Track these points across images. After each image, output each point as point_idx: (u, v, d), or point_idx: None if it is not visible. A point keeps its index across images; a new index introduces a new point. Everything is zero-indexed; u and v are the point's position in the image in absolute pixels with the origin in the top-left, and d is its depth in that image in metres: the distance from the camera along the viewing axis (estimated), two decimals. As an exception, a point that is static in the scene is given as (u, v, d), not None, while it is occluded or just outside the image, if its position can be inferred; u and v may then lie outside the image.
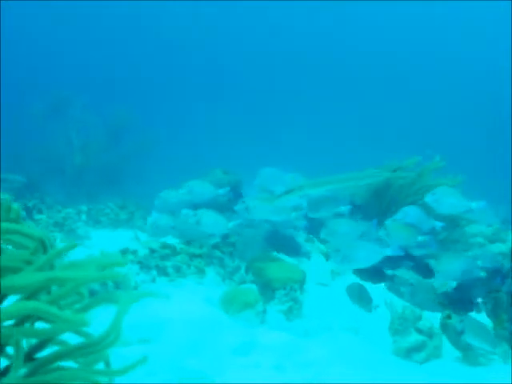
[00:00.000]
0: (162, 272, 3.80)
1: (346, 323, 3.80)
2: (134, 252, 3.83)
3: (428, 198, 4.55)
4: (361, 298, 3.80)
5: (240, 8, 21.28)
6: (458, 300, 3.99)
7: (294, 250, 4.87)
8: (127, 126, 9.42)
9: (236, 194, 6.08)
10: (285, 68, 20.36)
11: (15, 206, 2.05)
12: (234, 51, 20.78)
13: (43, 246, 2.04)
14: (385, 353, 3.56)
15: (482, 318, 3.80)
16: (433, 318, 3.70)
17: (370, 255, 3.68)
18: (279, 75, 19.64)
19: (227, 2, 20.54)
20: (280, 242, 4.84)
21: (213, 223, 4.25)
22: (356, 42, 20.91)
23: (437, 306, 3.87)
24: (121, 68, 17.82)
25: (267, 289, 3.79)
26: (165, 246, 3.93)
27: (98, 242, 5.70)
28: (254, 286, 3.84)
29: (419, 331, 3.53)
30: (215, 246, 4.26)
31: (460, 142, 12.80)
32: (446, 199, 4.52)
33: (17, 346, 1.68)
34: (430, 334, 3.55)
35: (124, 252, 3.84)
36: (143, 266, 3.76)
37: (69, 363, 1.79)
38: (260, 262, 4.02)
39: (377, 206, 5.41)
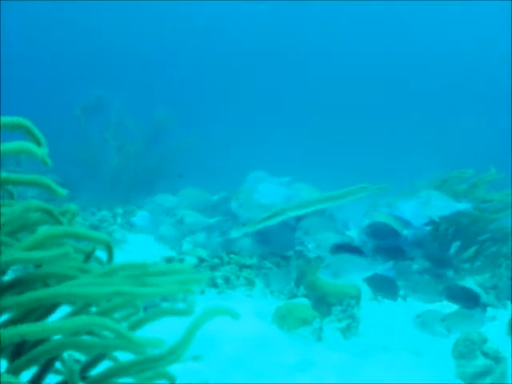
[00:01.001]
0: (211, 283, 3.61)
1: (405, 343, 3.56)
2: (181, 261, 3.64)
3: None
4: (384, 286, 3.67)
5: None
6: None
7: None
8: (165, 128, 9.27)
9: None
10: (288, 69, 20.15)
11: (73, 206, 1.88)
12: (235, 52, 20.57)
13: (109, 250, 1.89)
14: (448, 377, 3.32)
15: None
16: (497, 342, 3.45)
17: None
18: (281, 76, 19.44)
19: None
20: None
21: (194, 221, 4.30)
22: (355, 42, 20.59)
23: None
24: (160, 69, 17.75)
25: (322, 304, 3.58)
26: (214, 254, 3.74)
27: (136, 247, 5.54)
28: (307, 301, 3.63)
29: (485, 355, 3.28)
30: (264, 256, 4.07)
31: (459, 142, 12.50)
32: (434, 201, 4.35)
33: (70, 361, 1.53)
34: (496, 359, 3.30)
35: (169, 260, 3.66)
36: (191, 276, 3.58)
37: (125, 380, 1.62)
38: (312, 275, 3.81)
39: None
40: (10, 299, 1.47)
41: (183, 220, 4.65)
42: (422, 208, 4.39)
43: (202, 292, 3.54)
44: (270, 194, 4.52)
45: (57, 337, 1.49)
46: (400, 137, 13.87)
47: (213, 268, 3.64)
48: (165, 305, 3.18)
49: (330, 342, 3.36)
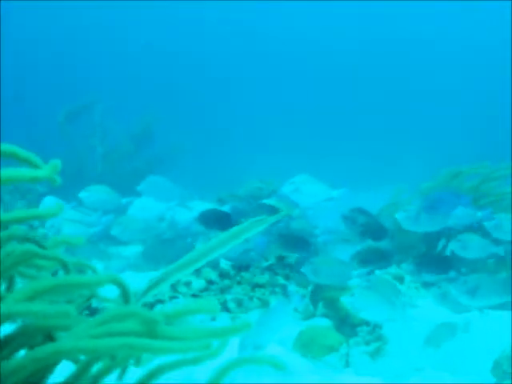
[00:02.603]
0: (223, 307, 3.27)
1: (438, 362, 3.24)
2: (188, 284, 3.31)
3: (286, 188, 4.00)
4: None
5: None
6: None
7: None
8: (152, 133, 8.95)
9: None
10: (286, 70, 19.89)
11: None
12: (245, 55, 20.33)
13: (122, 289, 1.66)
14: (490, 398, 3.02)
15: None
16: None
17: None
18: (272, 78, 19.19)
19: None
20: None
21: None
22: (352, 42, 20.38)
23: None
24: (145, 72, 17.40)
25: (345, 324, 3.26)
26: (222, 274, 3.40)
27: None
28: (329, 322, 3.31)
29: (532, 374, 2.96)
30: (270, 269, 3.74)
31: (459, 143, 12.26)
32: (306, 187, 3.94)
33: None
34: (543, 376, 2.99)
35: (175, 285, 3.32)
36: (200, 300, 3.24)
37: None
38: (331, 291, 3.47)
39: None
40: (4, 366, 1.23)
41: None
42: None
43: (214, 318, 3.20)
44: (145, 208, 4.20)
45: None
46: (397, 139, 13.56)
47: (223, 291, 3.31)
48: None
49: (359, 366, 3.04)
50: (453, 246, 3.73)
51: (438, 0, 19.10)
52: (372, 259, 3.25)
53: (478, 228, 4.16)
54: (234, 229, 2.49)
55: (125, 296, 1.81)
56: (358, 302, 2.99)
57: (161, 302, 3.05)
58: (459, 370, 3.25)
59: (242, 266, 3.68)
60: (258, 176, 5.58)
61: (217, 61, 19.55)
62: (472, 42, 18.93)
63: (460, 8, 19.15)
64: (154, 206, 4.22)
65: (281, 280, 3.62)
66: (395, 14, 19.80)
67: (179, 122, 11.18)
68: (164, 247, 4.34)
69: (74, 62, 16.51)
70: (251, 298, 3.36)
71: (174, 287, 3.32)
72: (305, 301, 3.63)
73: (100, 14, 18.66)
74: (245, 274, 3.48)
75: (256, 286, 3.43)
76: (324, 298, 3.49)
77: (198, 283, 3.32)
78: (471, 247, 3.73)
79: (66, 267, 1.84)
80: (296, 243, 3.52)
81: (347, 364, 2.99)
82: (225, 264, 3.74)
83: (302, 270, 3.33)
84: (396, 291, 3.28)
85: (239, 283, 3.41)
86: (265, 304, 3.39)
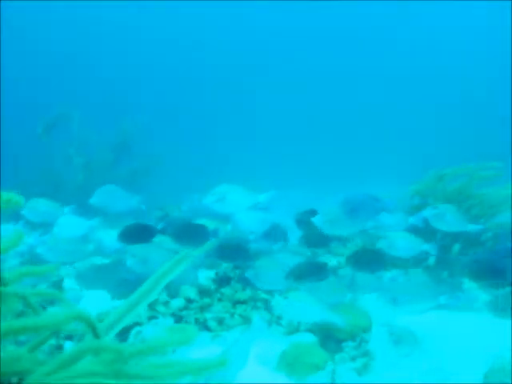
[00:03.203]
0: (203, 326, 3.15)
1: (428, 375, 3.14)
2: (166, 303, 3.18)
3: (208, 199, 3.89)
4: None
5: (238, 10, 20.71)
6: None
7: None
8: (132, 142, 8.81)
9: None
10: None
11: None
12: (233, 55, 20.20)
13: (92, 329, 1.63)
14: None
15: None
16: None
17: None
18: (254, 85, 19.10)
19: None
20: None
21: None
22: (351, 42, 20.37)
23: None
24: (121, 80, 17.24)
25: (330, 340, 3.14)
26: (202, 291, 3.27)
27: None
28: (313, 338, 3.19)
29: (524, 385, 2.86)
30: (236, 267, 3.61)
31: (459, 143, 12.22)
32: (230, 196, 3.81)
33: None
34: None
35: (153, 304, 3.19)
36: (179, 320, 3.12)
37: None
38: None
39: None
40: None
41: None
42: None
43: (194, 339, 3.08)
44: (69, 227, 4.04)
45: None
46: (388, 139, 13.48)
47: (203, 309, 3.18)
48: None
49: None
50: (380, 245, 3.61)
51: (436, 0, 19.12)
52: (307, 274, 3.13)
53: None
54: (161, 270, 2.34)
55: (93, 331, 1.69)
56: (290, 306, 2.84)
57: (138, 324, 2.92)
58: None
59: (222, 280, 3.56)
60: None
61: (196, 70, 19.48)
62: (472, 41, 18.96)
63: (459, 8, 19.18)
64: (78, 224, 4.02)
65: (262, 294, 3.50)
66: (394, 14, 19.78)
67: (158, 130, 11.06)
68: (97, 272, 4.15)
69: (51, 71, 16.33)
70: (232, 315, 3.24)
71: (152, 307, 3.19)
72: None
73: (74, 20, 18.50)
74: (225, 290, 3.36)
75: (237, 302, 3.31)
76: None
77: (177, 302, 3.19)
78: (398, 246, 3.61)
79: (30, 306, 1.72)
80: (232, 252, 3.37)
81: (334, 382, 2.88)
82: (204, 279, 3.62)
83: (246, 275, 3.21)
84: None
85: (220, 300, 3.29)
86: (246, 320, 3.27)
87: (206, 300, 3.24)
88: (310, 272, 3.14)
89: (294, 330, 3.39)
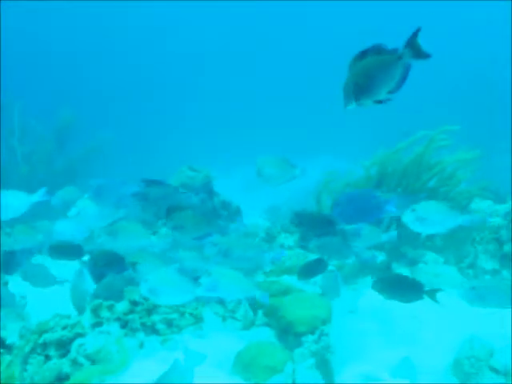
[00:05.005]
0: (151, 330, 2.90)
1: (397, 368, 2.94)
2: (110, 307, 2.92)
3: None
4: None
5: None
6: None
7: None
8: (75, 130, 8.50)
9: (209, 193, 5.31)
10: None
11: None
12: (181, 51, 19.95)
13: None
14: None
15: None
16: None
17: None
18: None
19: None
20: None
21: None
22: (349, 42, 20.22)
23: None
24: (62, 68, 16.78)
25: (288, 334, 2.93)
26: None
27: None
28: (271, 332, 2.98)
29: (495, 371, 2.70)
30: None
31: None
32: None
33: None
34: (506, 374, 2.73)
35: (96, 308, 2.93)
36: (125, 326, 2.86)
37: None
38: (271, 296, 3.12)
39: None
40: None
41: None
42: None
43: (141, 345, 2.83)
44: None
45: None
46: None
47: (150, 312, 2.93)
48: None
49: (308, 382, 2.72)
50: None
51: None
52: (313, 271, 2.92)
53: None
54: None
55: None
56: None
57: (81, 335, 2.66)
58: (419, 374, 2.96)
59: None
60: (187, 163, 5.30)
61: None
62: (471, 41, 18.86)
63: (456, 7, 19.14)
64: None
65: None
66: (392, 14, 19.66)
67: (102, 118, 10.74)
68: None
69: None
70: (182, 315, 3.00)
71: (95, 312, 2.93)
72: (243, 307, 3.29)
73: (19, 14, 18.04)
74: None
75: (187, 300, 3.06)
76: (265, 307, 3.16)
77: (122, 305, 2.93)
78: (363, 235, 3.45)
79: None
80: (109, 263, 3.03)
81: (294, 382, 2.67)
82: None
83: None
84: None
85: (167, 300, 3.03)
86: (198, 320, 3.03)
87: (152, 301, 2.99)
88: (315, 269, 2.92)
89: (249, 324, 3.17)
